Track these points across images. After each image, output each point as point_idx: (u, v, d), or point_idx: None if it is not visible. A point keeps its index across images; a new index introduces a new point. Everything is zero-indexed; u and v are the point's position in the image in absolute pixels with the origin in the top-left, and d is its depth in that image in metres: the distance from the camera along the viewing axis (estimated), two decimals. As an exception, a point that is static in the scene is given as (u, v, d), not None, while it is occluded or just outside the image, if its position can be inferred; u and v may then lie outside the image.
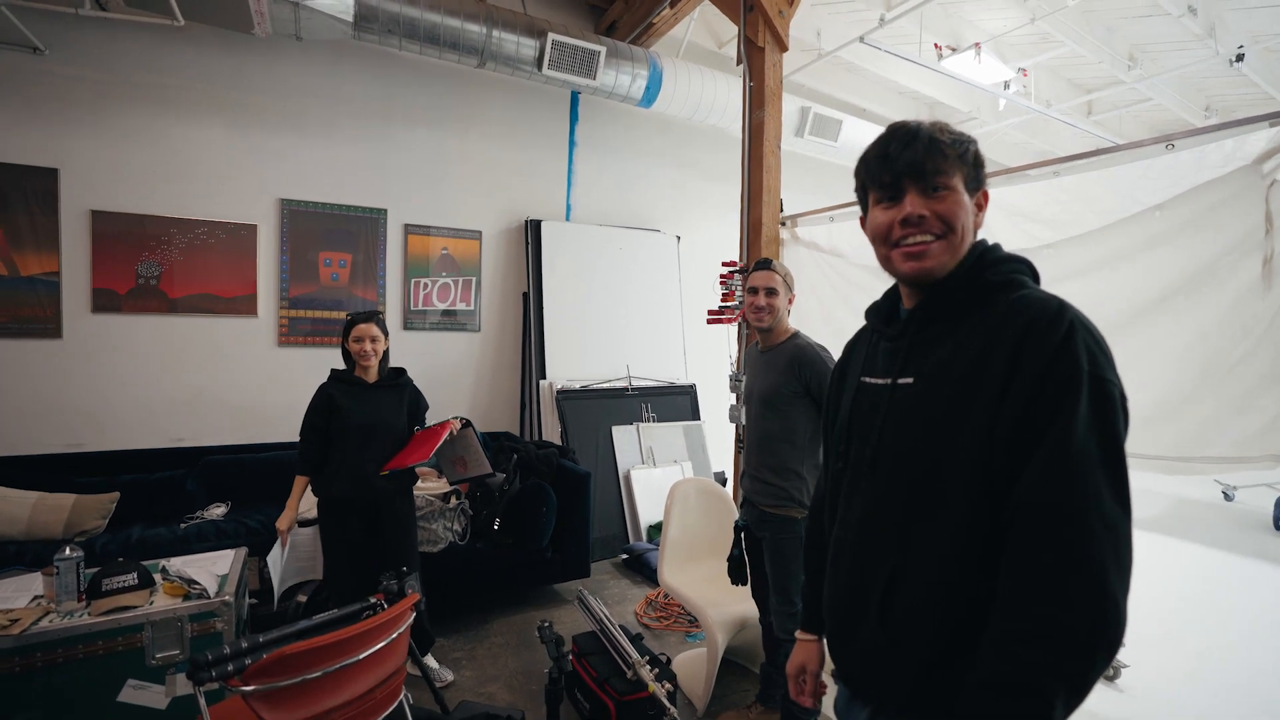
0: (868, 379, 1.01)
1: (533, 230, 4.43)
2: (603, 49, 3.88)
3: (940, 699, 0.84)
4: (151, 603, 2.15)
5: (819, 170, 5.45)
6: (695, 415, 4.72)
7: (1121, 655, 2.69)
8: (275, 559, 2.50)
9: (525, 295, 4.49)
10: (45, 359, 3.30)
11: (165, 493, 3.26)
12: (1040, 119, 5.67)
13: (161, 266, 3.53)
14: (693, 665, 2.63)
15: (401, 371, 2.60)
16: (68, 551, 2.11)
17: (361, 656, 1.61)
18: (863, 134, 5.08)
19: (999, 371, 0.81)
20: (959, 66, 4.56)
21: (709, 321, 3.15)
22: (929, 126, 0.92)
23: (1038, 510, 0.77)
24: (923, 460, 0.87)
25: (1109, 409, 0.78)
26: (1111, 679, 2.63)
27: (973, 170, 0.92)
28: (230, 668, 1.48)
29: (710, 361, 4.83)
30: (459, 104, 4.28)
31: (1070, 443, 0.76)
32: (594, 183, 4.81)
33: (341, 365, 2.55)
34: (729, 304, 3.14)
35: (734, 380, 3.16)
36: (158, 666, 2.11)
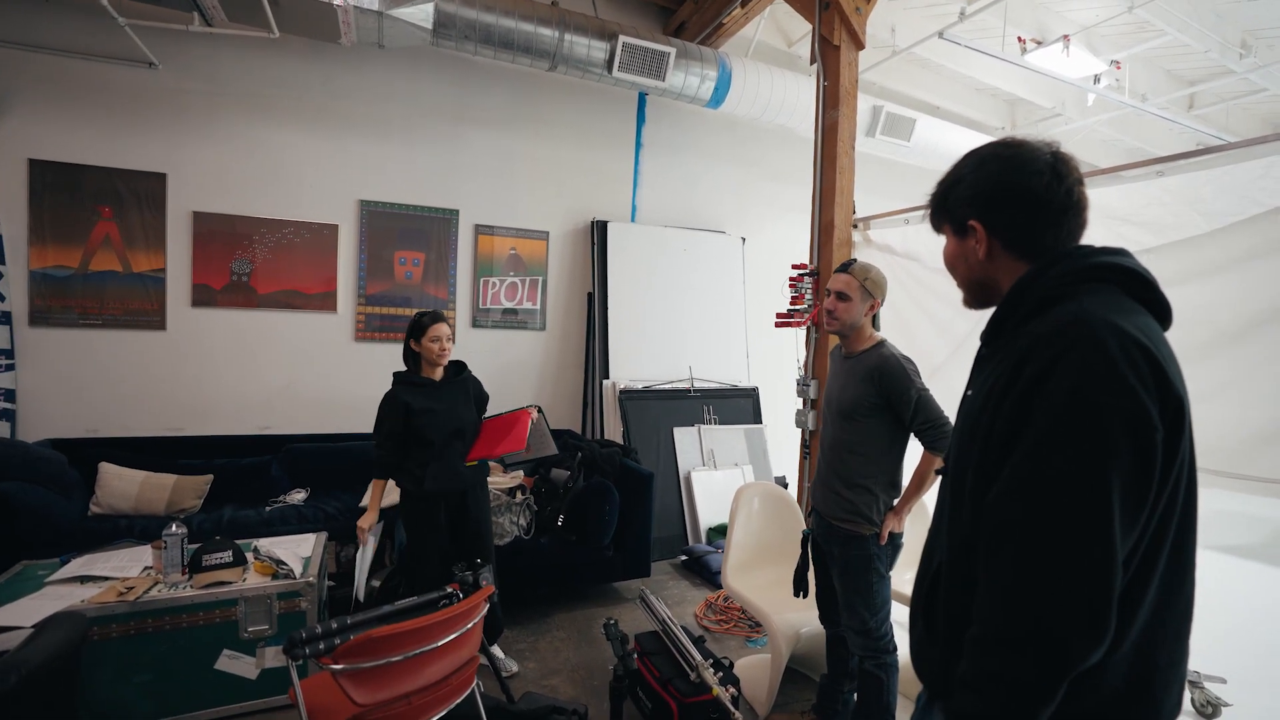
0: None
1: (598, 231, 4.48)
2: (672, 50, 3.89)
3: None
4: (245, 580, 2.30)
5: (889, 171, 5.30)
6: (757, 419, 4.67)
7: (1222, 692, 2.50)
8: (362, 558, 2.58)
9: (590, 295, 4.54)
10: (151, 349, 3.56)
11: (252, 477, 3.46)
12: (1133, 114, 5.33)
13: (252, 264, 3.75)
14: (754, 670, 2.60)
15: (463, 366, 2.66)
16: (174, 528, 2.28)
17: (439, 644, 1.67)
18: (937, 134, 4.91)
19: (1001, 389, 0.85)
20: (1045, 60, 4.33)
21: (777, 324, 3.11)
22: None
23: (992, 523, 0.82)
24: (958, 470, 0.93)
25: (1086, 433, 0.76)
26: (1210, 718, 2.45)
27: (947, 213, 1.00)
28: (322, 646, 1.56)
29: (774, 365, 4.77)
30: (529, 107, 4.37)
31: (1030, 462, 0.79)
32: (659, 184, 4.82)
33: (401, 366, 2.58)
34: (798, 307, 3.09)
35: (801, 384, 3.11)
36: (250, 639, 2.24)
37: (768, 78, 4.23)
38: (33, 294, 3.34)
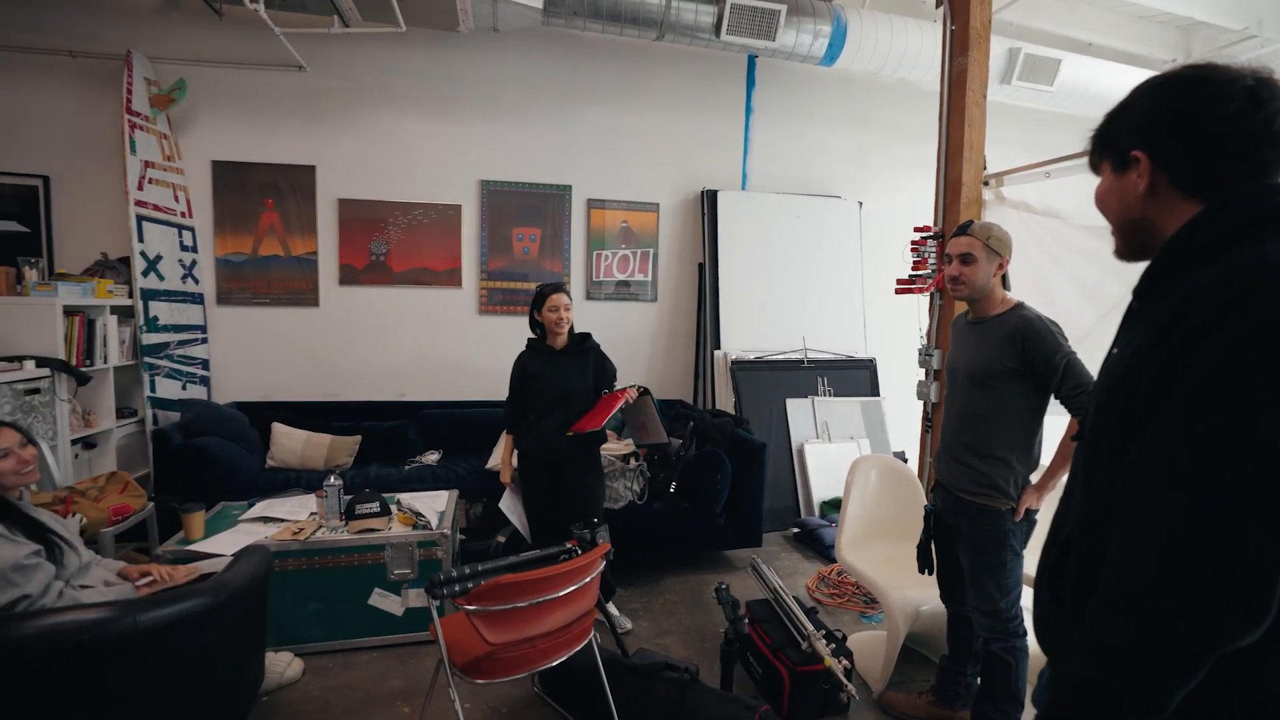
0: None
1: (709, 200, 4.44)
2: (782, 7, 3.73)
3: None
4: (390, 528, 2.57)
5: (1025, 120, 4.79)
6: (875, 391, 4.48)
7: None
8: (508, 506, 2.82)
9: (701, 265, 4.53)
10: (308, 324, 4.01)
11: (393, 439, 3.82)
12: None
13: (388, 244, 4.09)
14: (869, 645, 2.55)
15: (587, 337, 2.76)
16: (332, 480, 2.59)
17: (559, 594, 1.79)
18: (1088, 74, 4.36)
19: (1152, 343, 0.75)
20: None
21: (898, 291, 2.95)
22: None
23: (1132, 480, 0.73)
24: (1097, 433, 0.85)
25: (1260, 388, 0.65)
26: None
27: (1108, 145, 0.88)
28: (458, 588, 1.73)
29: (893, 335, 4.54)
30: (637, 79, 4.38)
31: (1186, 415, 0.69)
32: (770, 149, 4.68)
33: (531, 335, 2.75)
34: (920, 272, 2.91)
35: (923, 354, 2.95)
36: (395, 581, 2.51)
37: (887, 28, 3.96)
38: (218, 278, 3.87)
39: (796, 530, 3.91)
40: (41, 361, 2.89)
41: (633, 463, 3.47)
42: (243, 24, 3.62)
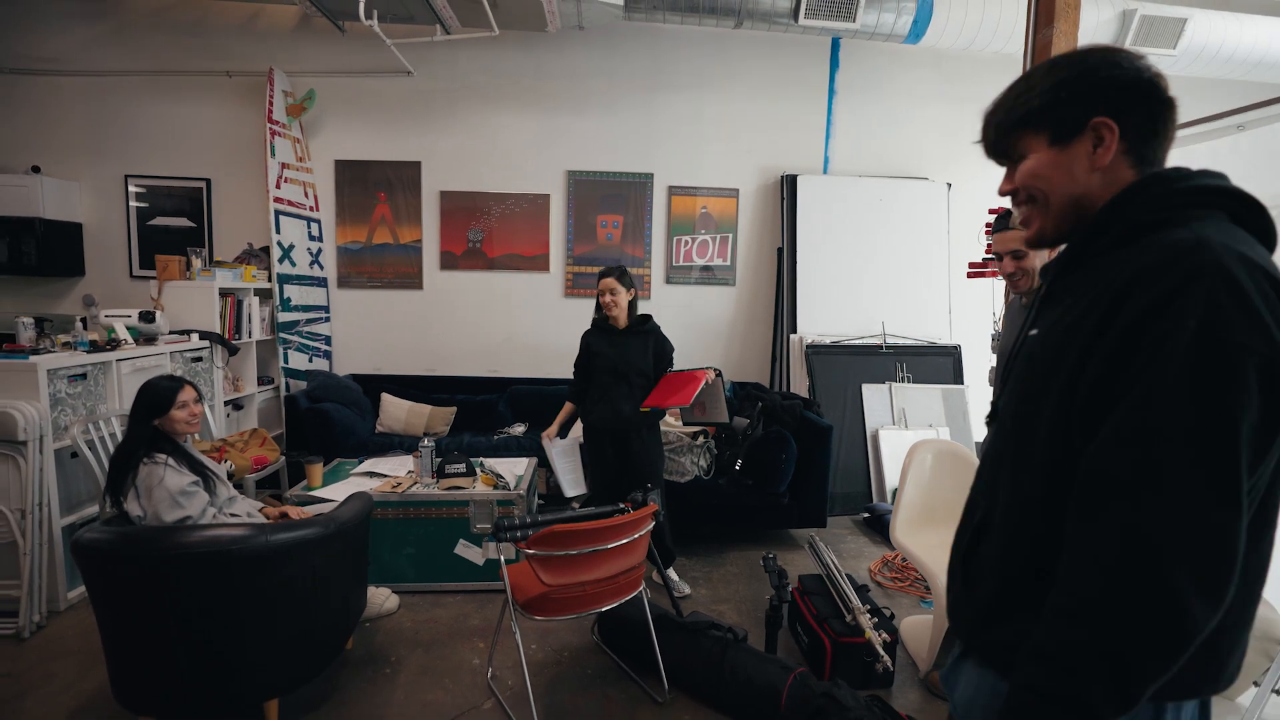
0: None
1: (788, 185, 4.45)
2: (866, -14, 3.66)
3: (996, 651, 0.85)
4: (474, 487, 2.88)
5: None
6: (959, 379, 4.34)
7: None
8: (556, 459, 3.15)
9: (779, 250, 4.56)
10: (412, 305, 4.47)
11: (485, 411, 4.19)
12: None
13: (483, 232, 4.45)
14: (920, 629, 2.57)
15: (647, 318, 2.93)
16: (426, 442, 2.94)
17: (609, 546, 1.99)
18: (1220, 31, 3.93)
19: (1091, 327, 0.74)
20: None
21: (969, 275, 2.89)
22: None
23: (1095, 479, 0.71)
24: (1018, 416, 0.85)
25: (1218, 379, 0.66)
26: None
27: (1048, 118, 0.83)
28: (519, 534, 1.97)
29: (980, 321, 4.37)
30: (717, 66, 4.45)
31: (1146, 411, 0.68)
32: (854, 131, 4.61)
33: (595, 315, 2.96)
34: (993, 255, 2.83)
35: (996, 339, 2.87)
36: (477, 535, 2.83)
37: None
38: (339, 264, 4.39)
39: (867, 515, 3.91)
40: (203, 335, 3.46)
41: (700, 440, 3.62)
42: (360, 38, 4.05)
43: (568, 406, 3.04)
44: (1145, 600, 0.66)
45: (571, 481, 3.24)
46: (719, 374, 2.86)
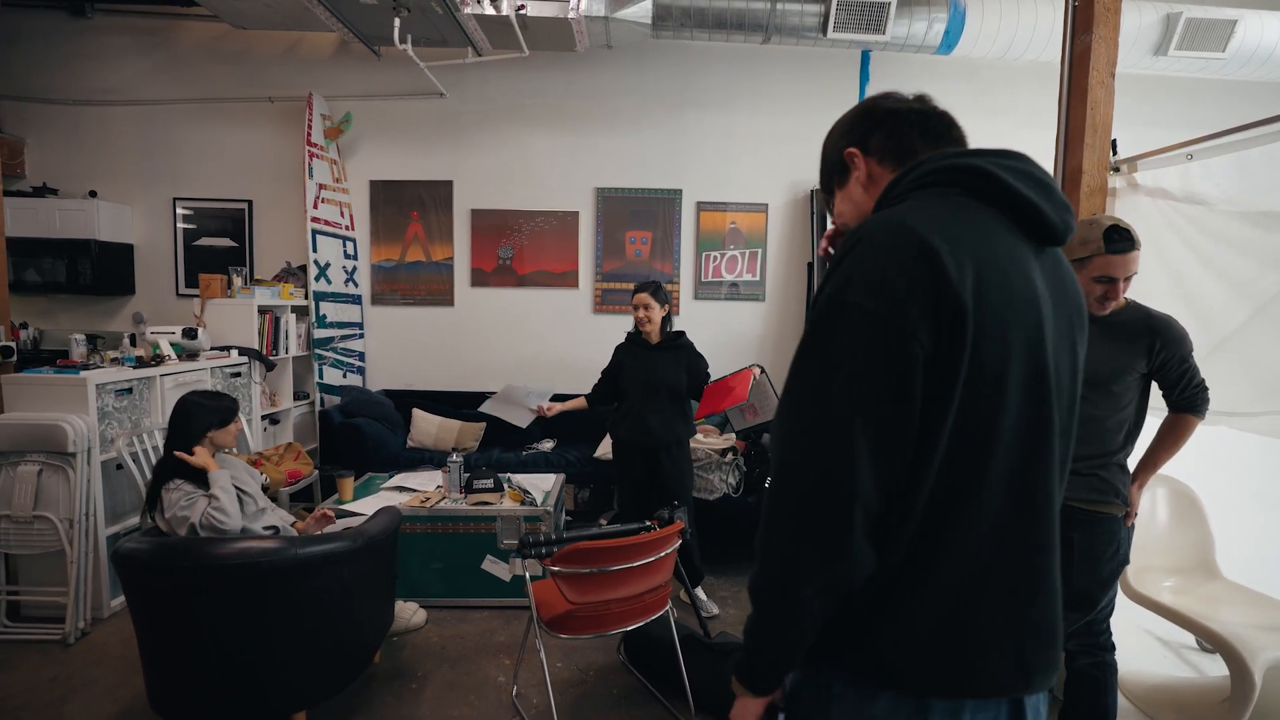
0: None
1: (817, 200, 4.41)
2: (894, -2, 3.63)
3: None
4: (501, 502, 2.88)
5: (1173, 94, 4.22)
6: (997, 394, 4.20)
7: None
8: (502, 399, 3.12)
9: (809, 265, 4.51)
10: (444, 321, 4.53)
11: (513, 427, 4.18)
12: None
13: (513, 249, 4.50)
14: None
15: (680, 334, 2.92)
16: (454, 457, 2.96)
17: (635, 564, 1.96)
18: (1273, 32, 3.78)
19: None
20: None
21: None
22: None
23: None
24: None
25: (828, 336, 0.72)
26: None
27: (828, 170, 0.97)
28: (544, 550, 1.96)
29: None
30: (745, 82, 4.45)
31: (788, 379, 0.76)
32: (885, 143, 4.54)
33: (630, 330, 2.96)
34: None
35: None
36: (504, 550, 2.82)
37: (1012, 6, 3.71)
38: (373, 281, 4.49)
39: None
40: (242, 351, 3.56)
41: (729, 456, 3.57)
42: (395, 61, 4.17)
43: (580, 400, 3.08)
44: (767, 544, 0.76)
45: (518, 416, 3.14)
46: (763, 370, 2.82)
